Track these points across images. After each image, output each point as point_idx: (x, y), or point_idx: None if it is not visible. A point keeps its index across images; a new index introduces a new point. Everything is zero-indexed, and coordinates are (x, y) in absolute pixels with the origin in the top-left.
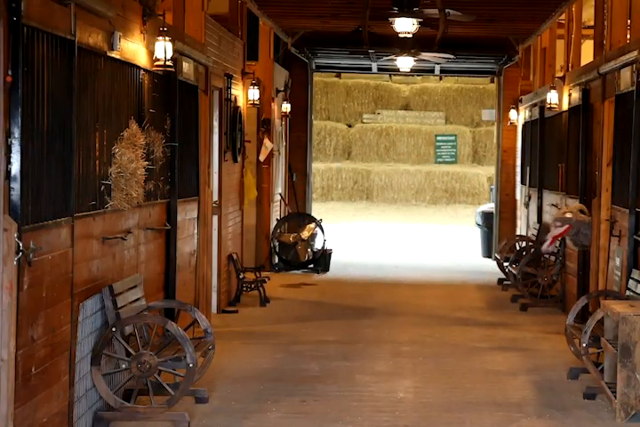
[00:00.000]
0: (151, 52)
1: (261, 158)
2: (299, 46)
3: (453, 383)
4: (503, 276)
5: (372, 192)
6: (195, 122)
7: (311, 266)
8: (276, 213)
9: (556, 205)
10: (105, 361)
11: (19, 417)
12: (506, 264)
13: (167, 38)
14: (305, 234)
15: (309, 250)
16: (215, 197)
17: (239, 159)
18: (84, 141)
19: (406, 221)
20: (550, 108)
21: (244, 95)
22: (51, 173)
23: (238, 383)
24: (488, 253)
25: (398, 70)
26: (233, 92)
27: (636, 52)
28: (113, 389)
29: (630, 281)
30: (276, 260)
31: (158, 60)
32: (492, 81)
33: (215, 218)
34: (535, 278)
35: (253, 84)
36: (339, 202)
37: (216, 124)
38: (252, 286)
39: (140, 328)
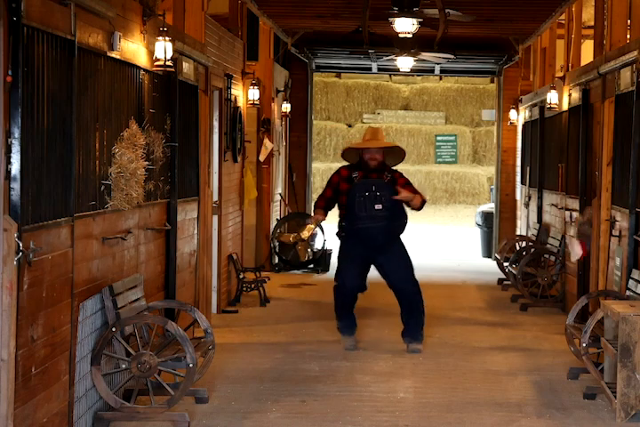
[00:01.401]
0: (151, 52)
1: (261, 158)
2: (299, 46)
3: (453, 383)
4: (503, 276)
5: None
6: (195, 122)
7: (311, 266)
8: (276, 213)
9: (555, 205)
10: (105, 361)
11: (19, 417)
12: (506, 264)
13: (167, 38)
14: (305, 234)
15: (309, 250)
16: (215, 197)
17: (239, 159)
18: (83, 141)
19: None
20: (550, 108)
21: (244, 95)
22: (51, 173)
23: (238, 383)
24: (488, 253)
25: (398, 70)
26: (233, 92)
27: (635, 52)
28: (113, 389)
29: (630, 281)
30: (276, 260)
31: (158, 60)
32: (492, 81)
33: (215, 218)
34: (535, 278)
35: (253, 84)
36: None
37: (216, 124)
38: (252, 285)
39: (139, 328)
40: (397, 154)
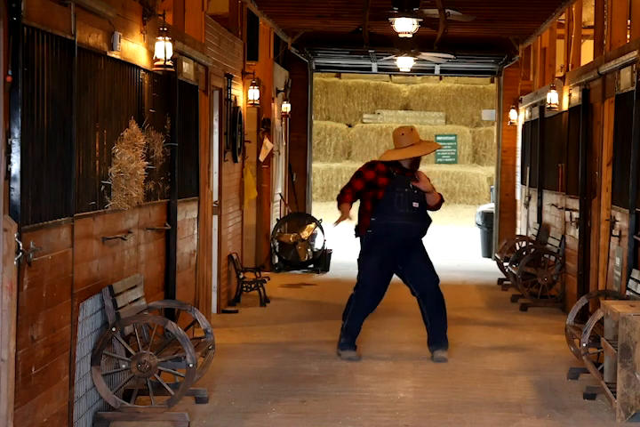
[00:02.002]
0: (151, 52)
1: (261, 158)
2: (299, 46)
3: (453, 383)
4: (503, 276)
5: None
6: (195, 122)
7: (311, 266)
8: (276, 213)
9: (555, 205)
10: (105, 361)
11: (19, 417)
12: (506, 264)
13: (167, 38)
14: (305, 234)
15: (309, 250)
16: (215, 197)
17: (239, 159)
18: (83, 141)
19: None
20: (550, 108)
21: (244, 95)
22: (51, 173)
23: (238, 383)
24: (488, 253)
25: (398, 70)
26: (233, 92)
27: (635, 52)
28: (113, 389)
29: (630, 281)
30: (276, 260)
31: (158, 60)
32: (492, 81)
33: (215, 218)
34: (535, 278)
35: (253, 84)
36: None
37: (216, 124)
38: (252, 285)
39: (139, 328)
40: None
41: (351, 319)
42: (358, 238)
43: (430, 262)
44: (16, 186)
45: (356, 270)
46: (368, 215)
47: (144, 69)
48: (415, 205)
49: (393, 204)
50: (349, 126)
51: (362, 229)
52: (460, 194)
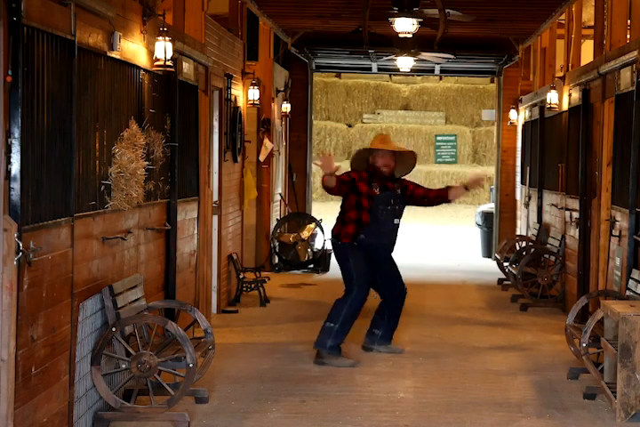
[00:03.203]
0: (151, 52)
1: (261, 158)
2: (299, 46)
3: (453, 383)
4: (503, 276)
5: None
6: (195, 122)
7: (311, 266)
8: (276, 213)
9: (555, 205)
10: (105, 361)
11: (19, 417)
12: (506, 264)
13: (167, 38)
14: (305, 234)
15: (309, 250)
16: (215, 197)
17: (239, 159)
18: (83, 141)
19: (406, 220)
20: (550, 108)
21: (244, 95)
22: (51, 173)
23: (238, 383)
24: (488, 253)
25: (398, 70)
26: (233, 92)
27: (635, 52)
28: (113, 389)
29: (630, 281)
30: (276, 260)
31: (158, 60)
32: (492, 81)
33: (215, 218)
34: (535, 278)
35: (253, 84)
36: (339, 202)
37: (216, 124)
38: (252, 285)
39: (139, 328)
40: (406, 164)
41: (346, 323)
42: (330, 241)
43: (398, 270)
44: (16, 186)
45: None
46: (353, 224)
47: (144, 69)
48: (397, 222)
49: (377, 223)
50: (349, 126)
51: (345, 237)
52: None
